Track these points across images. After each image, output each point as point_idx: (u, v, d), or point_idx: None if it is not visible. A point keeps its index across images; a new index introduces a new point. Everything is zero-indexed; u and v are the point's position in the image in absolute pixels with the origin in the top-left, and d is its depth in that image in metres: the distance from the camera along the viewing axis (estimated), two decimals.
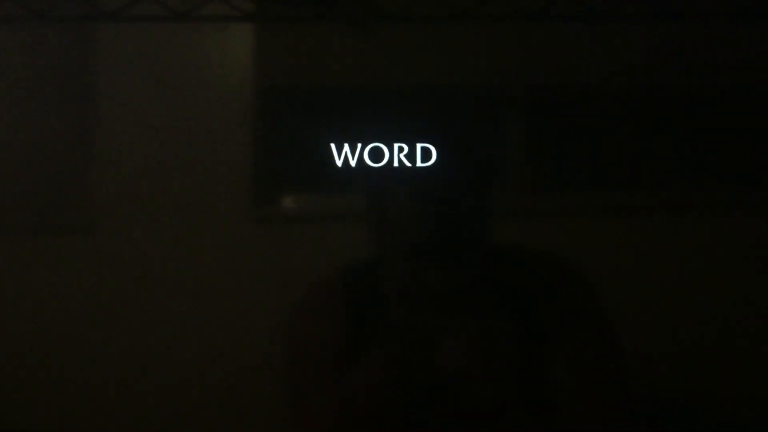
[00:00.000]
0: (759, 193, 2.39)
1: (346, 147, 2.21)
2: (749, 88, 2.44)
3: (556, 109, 2.52)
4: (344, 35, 2.34)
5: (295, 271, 2.23)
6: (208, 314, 2.39)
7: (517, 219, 1.95)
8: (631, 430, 1.37)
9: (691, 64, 2.41)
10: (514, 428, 1.32)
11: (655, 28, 2.28)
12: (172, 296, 2.38)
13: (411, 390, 1.25)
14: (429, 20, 2.09)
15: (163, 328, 2.38)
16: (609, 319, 1.43)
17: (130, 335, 2.39)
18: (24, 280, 2.40)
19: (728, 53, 2.38)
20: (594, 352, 1.38)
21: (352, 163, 2.12)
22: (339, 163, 2.24)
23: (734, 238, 2.32)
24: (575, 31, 2.32)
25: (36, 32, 2.43)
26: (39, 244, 2.43)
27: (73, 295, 2.39)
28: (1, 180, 2.46)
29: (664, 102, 2.46)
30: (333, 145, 2.22)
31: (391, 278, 1.35)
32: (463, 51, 2.43)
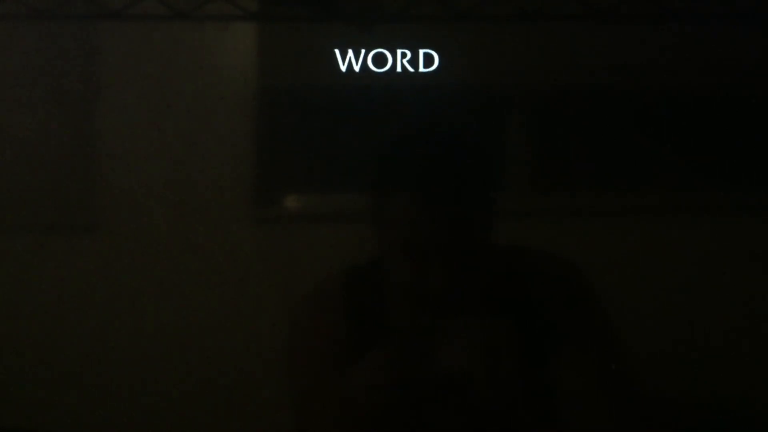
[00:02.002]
0: (759, 194, 2.40)
1: (350, 53, 2.14)
2: (750, 89, 2.44)
3: (556, 109, 2.53)
4: (345, 35, 2.34)
5: (296, 271, 2.23)
6: (209, 314, 2.40)
7: (517, 219, 1.95)
8: (633, 429, 1.37)
9: (691, 65, 2.41)
10: (516, 428, 1.33)
11: (655, 29, 2.28)
12: (173, 296, 2.39)
13: (412, 390, 1.25)
14: (429, 20, 2.09)
15: (165, 328, 2.39)
16: (610, 320, 1.43)
17: (131, 335, 2.39)
18: (26, 279, 2.41)
19: (729, 54, 2.39)
20: (595, 352, 1.38)
21: (356, 68, 2.07)
22: (343, 68, 2.17)
23: (735, 239, 2.33)
24: (575, 31, 2.32)
25: (39, 31, 2.43)
26: (41, 243, 2.44)
27: (74, 294, 2.40)
28: (4, 179, 2.46)
29: (664, 102, 2.47)
30: (337, 51, 2.14)
31: (392, 278, 1.36)
32: (463, 51, 2.43)
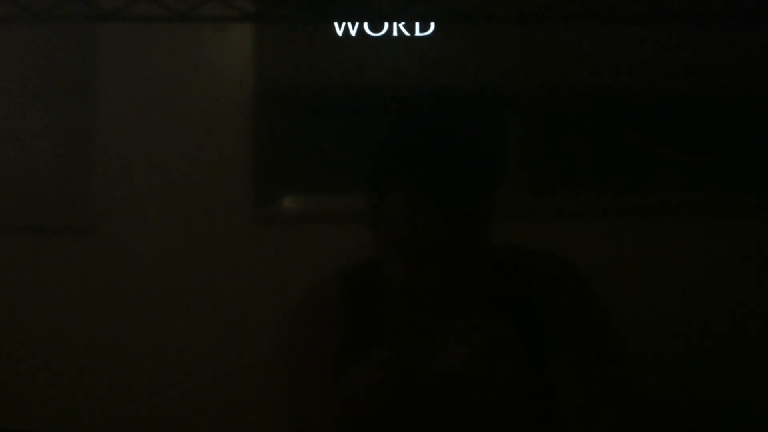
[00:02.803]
0: (760, 194, 2.40)
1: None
2: (750, 90, 2.44)
3: (556, 109, 2.52)
4: (344, 36, 2.34)
5: (295, 272, 2.23)
6: (208, 315, 2.39)
7: (517, 220, 1.95)
8: (633, 430, 1.37)
9: (692, 65, 2.41)
10: (515, 429, 1.32)
11: (656, 29, 2.27)
12: (171, 297, 2.38)
13: (411, 391, 1.25)
14: (428, 21, 2.09)
15: (163, 329, 2.38)
16: (610, 320, 1.43)
17: (129, 336, 2.38)
18: (23, 280, 2.40)
19: (730, 54, 2.39)
20: (595, 352, 1.38)
21: (352, 33, 2.06)
22: (340, 33, 2.16)
23: (735, 240, 2.32)
24: (575, 31, 2.32)
25: (35, 32, 2.43)
26: (38, 244, 2.44)
27: (71, 295, 2.39)
28: (1, 180, 2.46)
29: (664, 103, 2.47)
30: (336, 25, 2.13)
31: (391, 279, 1.35)
32: (463, 52, 2.43)
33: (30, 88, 2.55)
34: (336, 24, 2.09)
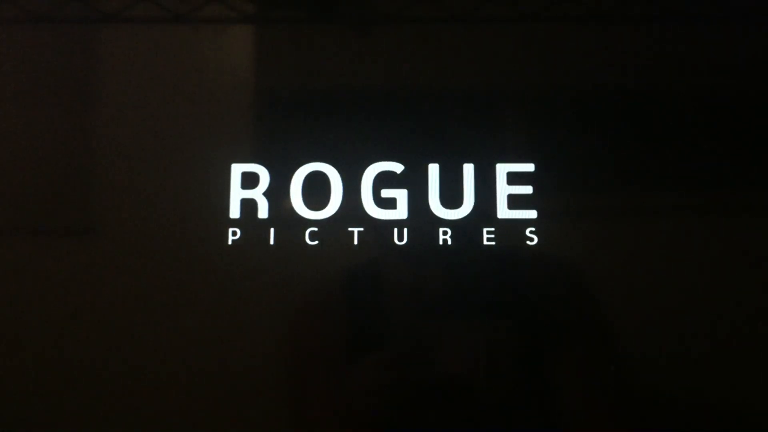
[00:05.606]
0: (761, 194, 2.39)
1: None
2: (751, 89, 2.44)
3: (555, 109, 2.52)
4: (344, 37, 2.34)
5: (295, 272, 2.23)
6: (207, 315, 2.39)
7: (518, 220, 1.94)
8: (633, 430, 1.37)
9: (692, 65, 2.41)
10: (515, 429, 1.32)
11: (656, 29, 2.28)
12: (172, 298, 2.39)
13: (411, 392, 1.25)
14: (428, 21, 2.09)
15: (163, 330, 2.39)
16: (610, 320, 1.43)
17: (129, 337, 2.39)
18: (21, 281, 2.40)
19: (730, 54, 2.39)
20: (595, 353, 1.39)
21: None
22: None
23: (736, 239, 2.32)
24: (575, 31, 2.32)
25: (35, 34, 2.44)
26: (37, 246, 2.44)
27: (70, 297, 2.39)
28: (0, 181, 2.46)
29: (665, 103, 2.47)
30: None
31: (391, 279, 1.35)
32: (464, 52, 2.43)
33: (29, 90, 2.55)
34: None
